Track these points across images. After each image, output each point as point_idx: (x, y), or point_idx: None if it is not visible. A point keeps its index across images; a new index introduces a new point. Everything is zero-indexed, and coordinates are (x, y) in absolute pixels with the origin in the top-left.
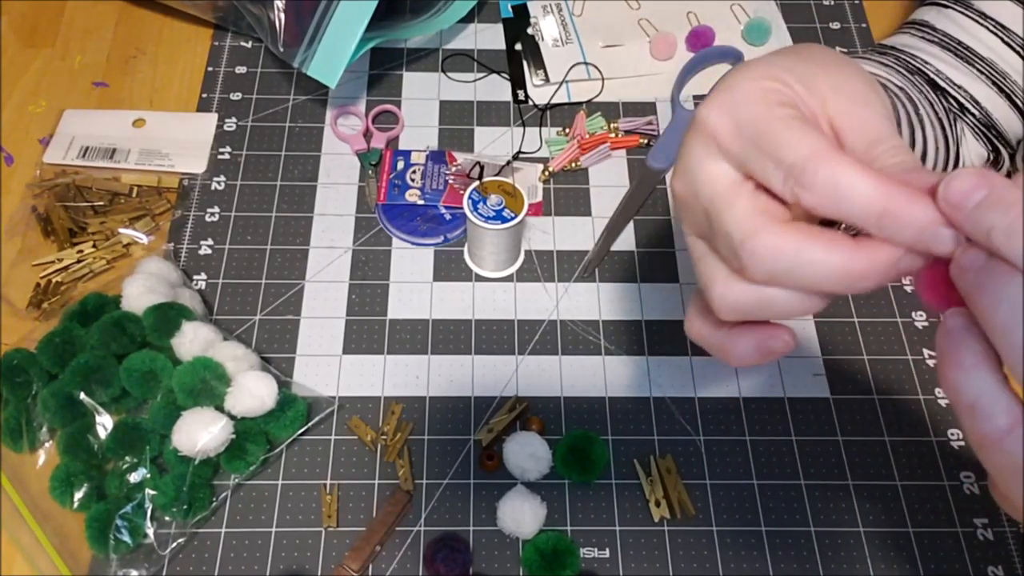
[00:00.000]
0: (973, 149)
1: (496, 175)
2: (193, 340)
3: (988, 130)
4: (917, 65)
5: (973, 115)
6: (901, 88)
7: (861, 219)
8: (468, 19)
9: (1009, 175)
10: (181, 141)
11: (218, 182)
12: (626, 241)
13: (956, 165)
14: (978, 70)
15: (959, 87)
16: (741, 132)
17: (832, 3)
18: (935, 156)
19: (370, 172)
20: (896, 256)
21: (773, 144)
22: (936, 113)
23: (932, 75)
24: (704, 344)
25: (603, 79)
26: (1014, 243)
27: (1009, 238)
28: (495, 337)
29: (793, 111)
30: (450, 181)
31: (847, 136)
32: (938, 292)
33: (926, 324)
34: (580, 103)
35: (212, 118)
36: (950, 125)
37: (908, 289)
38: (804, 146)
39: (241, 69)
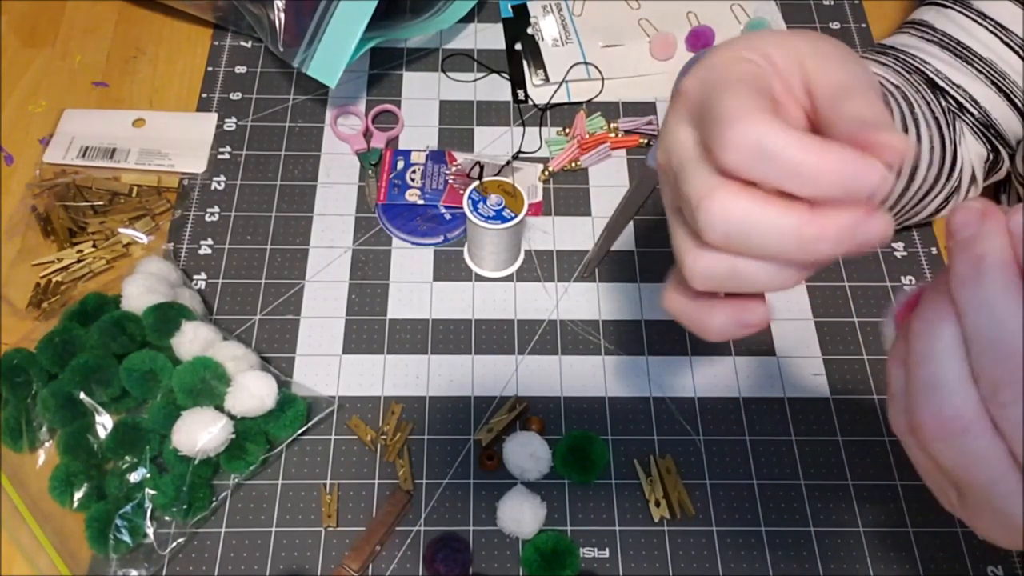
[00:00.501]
0: (972, 148)
1: (496, 175)
2: (193, 340)
3: (987, 130)
4: (916, 65)
5: (972, 115)
6: (897, 87)
7: (781, 178)
8: (468, 19)
9: (1009, 176)
10: (181, 141)
11: (218, 182)
12: (626, 241)
13: (954, 165)
14: (977, 70)
15: (958, 87)
16: (699, 96)
17: (832, 3)
18: (931, 155)
19: (370, 172)
20: (852, 220)
21: (712, 105)
22: (933, 113)
23: (931, 75)
24: (681, 317)
25: (603, 79)
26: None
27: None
28: (495, 337)
29: (751, 78)
30: (450, 181)
31: (817, 90)
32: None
33: None
34: (580, 103)
35: (212, 118)
36: (948, 125)
37: (908, 289)
38: (734, 107)
39: (241, 69)
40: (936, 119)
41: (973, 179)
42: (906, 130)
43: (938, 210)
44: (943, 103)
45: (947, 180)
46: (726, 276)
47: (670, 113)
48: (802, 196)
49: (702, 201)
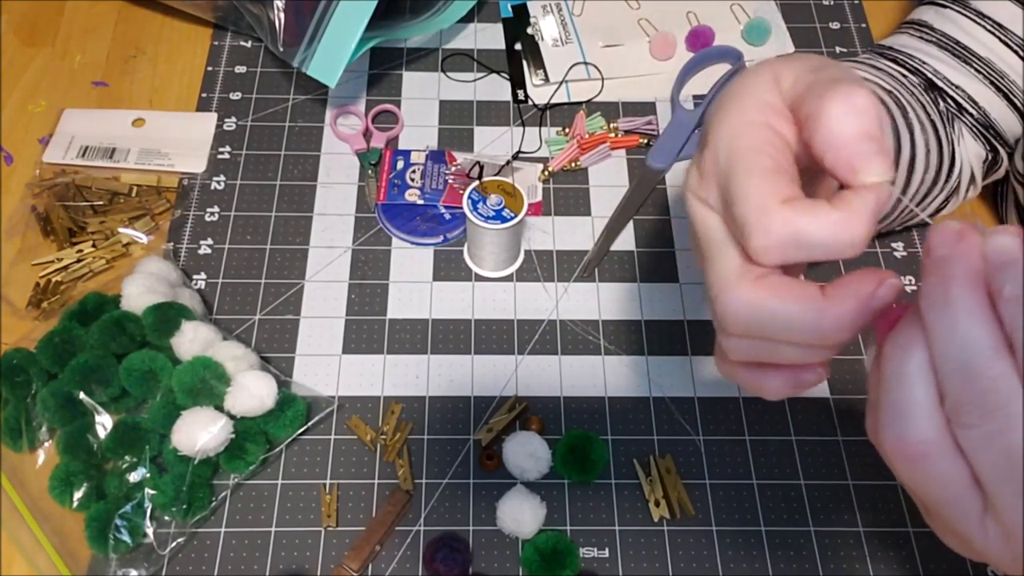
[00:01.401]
0: (971, 149)
1: (496, 175)
2: (193, 340)
3: (986, 130)
4: (915, 65)
5: (971, 115)
6: (890, 91)
7: (811, 258)
8: (468, 19)
9: (1008, 175)
10: (181, 141)
11: (218, 182)
12: (626, 241)
13: (952, 166)
14: (976, 69)
15: (957, 87)
16: (718, 174)
17: (832, 3)
18: (926, 159)
19: (370, 172)
20: (865, 299)
21: (733, 192)
22: (929, 115)
23: (930, 75)
24: (735, 381)
25: (603, 79)
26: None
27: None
28: (495, 337)
29: (762, 149)
30: (450, 181)
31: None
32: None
33: None
34: (580, 103)
35: (212, 118)
36: (945, 126)
37: (908, 289)
38: (755, 196)
39: (241, 69)
40: (932, 121)
41: (972, 179)
42: (897, 137)
43: (938, 210)
44: (941, 104)
45: (946, 181)
46: (756, 355)
47: (691, 184)
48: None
49: (719, 295)
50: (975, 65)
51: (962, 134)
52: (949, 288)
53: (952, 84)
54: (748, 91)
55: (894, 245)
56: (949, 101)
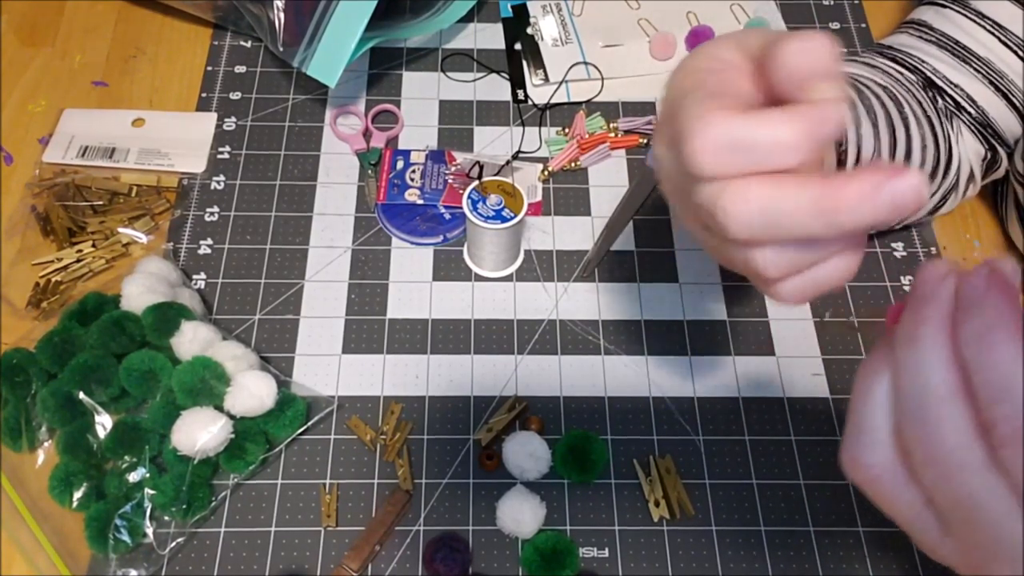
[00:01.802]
0: (970, 147)
1: (496, 175)
2: (192, 340)
3: (984, 129)
4: (914, 64)
5: (969, 114)
6: (885, 87)
7: (760, 160)
8: (468, 19)
9: (1008, 175)
10: (180, 141)
11: (217, 182)
12: (626, 241)
13: (949, 163)
14: (975, 69)
15: (956, 86)
16: (664, 120)
17: (832, 3)
18: (922, 154)
19: (369, 172)
20: (870, 184)
21: (674, 128)
22: (926, 112)
23: (929, 74)
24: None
25: (603, 79)
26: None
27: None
28: (494, 337)
29: (702, 85)
30: (449, 181)
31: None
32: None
33: None
34: (580, 103)
35: (211, 117)
36: (942, 124)
37: (908, 290)
38: (689, 120)
39: (241, 68)
40: (928, 118)
41: (972, 177)
42: (891, 130)
43: (936, 208)
44: (940, 102)
45: (943, 178)
46: (792, 258)
47: (655, 142)
48: (788, 167)
49: (716, 203)
50: (974, 65)
51: (961, 132)
52: (918, 329)
53: (951, 83)
54: (704, 49)
55: (894, 245)
56: (948, 100)
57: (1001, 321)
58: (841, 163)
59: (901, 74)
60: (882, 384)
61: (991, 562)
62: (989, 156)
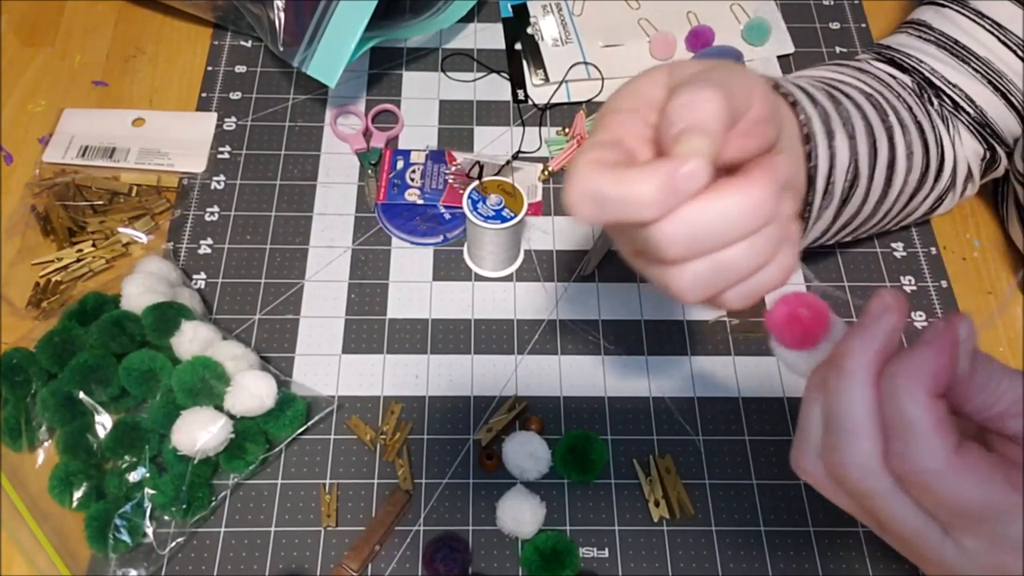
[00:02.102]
0: (969, 146)
1: (496, 175)
2: (192, 339)
3: (983, 129)
4: (912, 64)
5: (968, 113)
6: (871, 95)
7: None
8: (468, 19)
9: (1008, 175)
10: (181, 140)
11: (218, 181)
12: None
13: (941, 167)
14: (974, 69)
15: (954, 86)
16: None
17: (832, 3)
18: (907, 162)
19: (370, 172)
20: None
21: None
22: (915, 117)
23: (927, 74)
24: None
25: (603, 79)
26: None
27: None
28: (494, 337)
29: (603, 138)
30: (450, 181)
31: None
32: (784, 329)
33: (925, 324)
34: (580, 103)
35: (212, 117)
36: (934, 127)
37: (908, 289)
38: (571, 174)
39: (241, 68)
40: (919, 123)
41: (970, 177)
42: (872, 140)
43: (932, 209)
44: (935, 104)
45: (935, 181)
46: (713, 272)
47: None
48: (647, 220)
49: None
50: (973, 65)
51: (959, 132)
52: (845, 360)
53: (949, 83)
54: (631, 84)
55: (894, 245)
56: (946, 100)
57: (923, 379)
58: (811, 178)
59: (894, 78)
60: (817, 407)
61: (920, 562)
62: (988, 156)
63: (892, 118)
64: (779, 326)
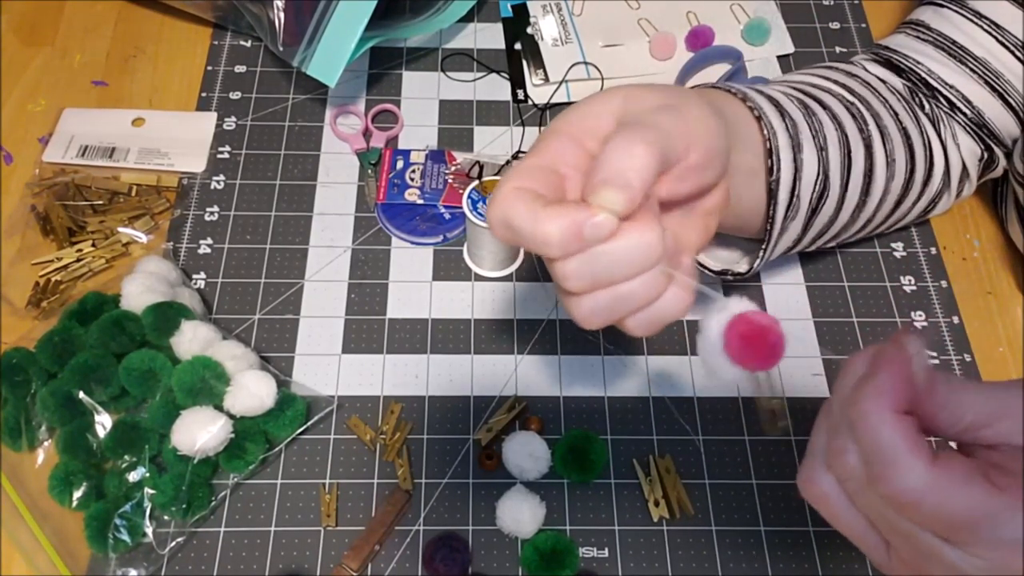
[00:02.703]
0: (966, 146)
1: (496, 174)
2: (192, 339)
3: (980, 129)
4: (909, 65)
5: (964, 114)
6: (851, 104)
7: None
8: (468, 18)
9: (1007, 175)
10: (180, 140)
11: (217, 181)
12: None
13: (930, 172)
14: (971, 69)
15: (951, 87)
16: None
17: (832, 3)
18: (887, 169)
19: (369, 171)
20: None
21: None
22: (901, 124)
23: (924, 75)
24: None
25: (603, 79)
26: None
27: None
28: (494, 336)
29: (530, 165)
30: (449, 180)
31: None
32: (739, 349)
33: (925, 324)
34: None
35: (211, 117)
36: (923, 132)
37: (908, 289)
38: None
39: (240, 68)
40: (904, 129)
41: (967, 177)
42: (849, 150)
43: (926, 211)
44: (927, 106)
45: (923, 187)
46: (610, 303)
47: None
48: (552, 256)
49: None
50: (971, 65)
51: (955, 133)
52: (866, 399)
53: (946, 84)
54: (585, 106)
55: (893, 245)
56: (943, 101)
57: (885, 398)
58: (771, 190)
59: (884, 83)
60: (822, 427)
61: None
62: (986, 156)
63: (871, 127)
64: (738, 343)
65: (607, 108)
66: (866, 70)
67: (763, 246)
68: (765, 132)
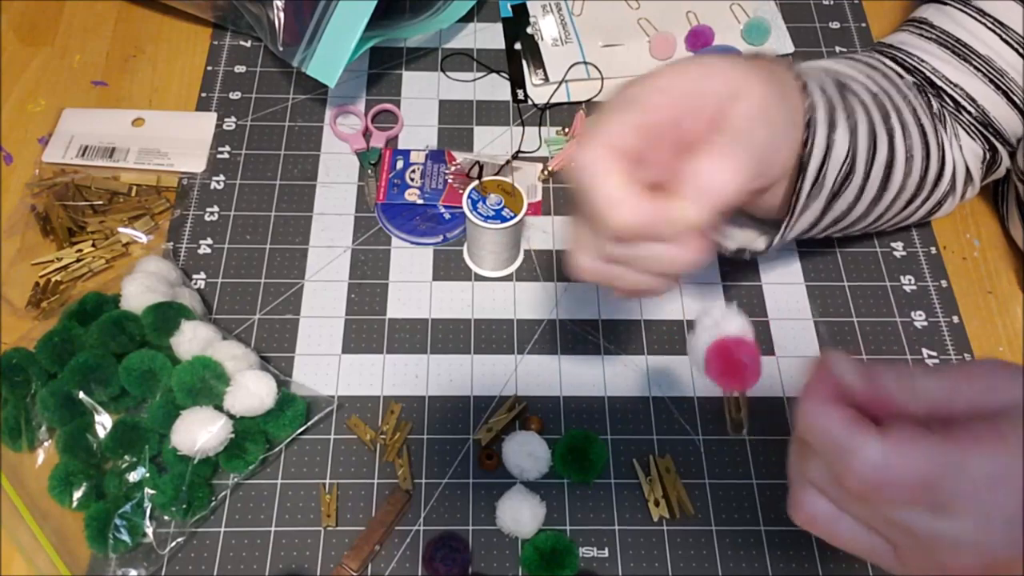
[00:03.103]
0: (968, 149)
1: (495, 174)
2: (192, 339)
3: (984, 128)
4: (913, 63)
5: (969, 113)
6: (876, 94)
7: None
8: (468, 18)
9: (1008, 174)
10: (180, 140)
11: (217, 181)
12: None
13: (941, 172)
14: (975, 67)
15: (955, 85)
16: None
17: (832, 3)
18: (905, 165)
19: (369, 171)
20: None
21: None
22: (919, 119)
23: (928, 73)
24: (595, 275)
25: (603, 79)
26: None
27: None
28: (494, 336)
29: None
30: (449, 180)
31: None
32: (719, 370)
33: (925, 324)
34: (580, 103)
35: (211, 117)
36: (936, 130)
37: (908, 289)
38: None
39: (240, 68)
40: (921, 126)
41: (970, 179)
42: (874, 139)
43: (931, 212)
44: (935, 105)
45: (934, 186)
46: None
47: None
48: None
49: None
50: (974, 63)
51: (957, 135)
52: (806, 401)
53: (950, 82)
54: (692, 72)
55: (893, 245)
56: (947, 99)
57: (821, 393)
58: (802, 163)
59: (901, 77)
60: (799, 451)
61: (948, 567)
62: (988, 157)
63: (895, 120)
64: (716, 366)
65: (713, 88)
66: (884, 64)
67: (785, 221)
68: (807, 103)
